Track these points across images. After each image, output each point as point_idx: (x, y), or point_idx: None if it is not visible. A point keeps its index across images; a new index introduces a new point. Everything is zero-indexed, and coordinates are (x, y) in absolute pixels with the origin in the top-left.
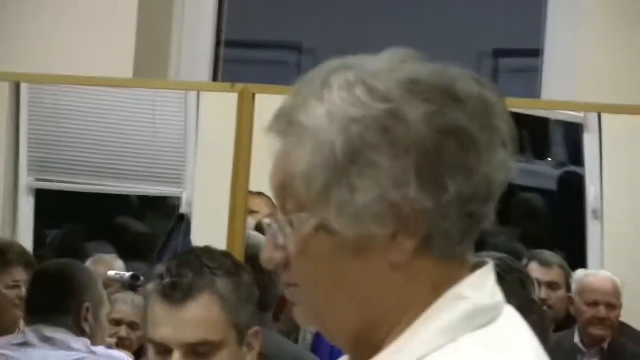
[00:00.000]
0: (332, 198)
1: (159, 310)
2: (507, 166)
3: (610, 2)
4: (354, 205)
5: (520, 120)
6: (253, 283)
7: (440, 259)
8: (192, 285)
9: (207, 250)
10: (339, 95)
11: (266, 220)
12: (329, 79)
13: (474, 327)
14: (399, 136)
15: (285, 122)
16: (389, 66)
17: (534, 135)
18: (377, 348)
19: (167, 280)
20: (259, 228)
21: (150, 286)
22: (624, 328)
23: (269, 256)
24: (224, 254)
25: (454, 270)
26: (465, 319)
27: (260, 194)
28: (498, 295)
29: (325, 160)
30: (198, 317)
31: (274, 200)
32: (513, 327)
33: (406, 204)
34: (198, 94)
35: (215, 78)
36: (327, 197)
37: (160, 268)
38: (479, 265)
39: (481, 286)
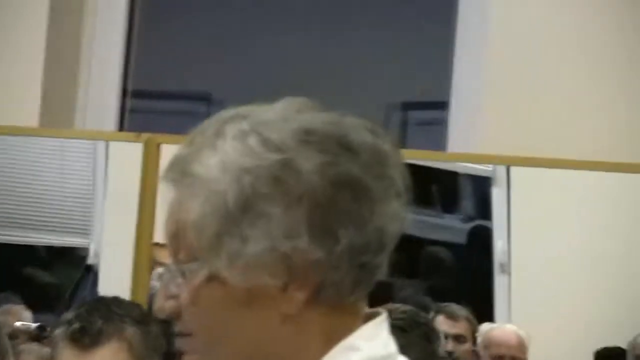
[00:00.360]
0: (223, 248)
1: (67, 355)
2: (401, 217)
3: (515, 54)
4: (244, 256)
5: (429, 174)
6: (160, 333)
7: (332, 309)
8: (101, 330)
9: (116, 299)
10: (232, 145)
11: (159, 270)
12: (223, 128)
13: None
14: (291, 187)
15: (178, 171)
16: (283, 116)
17: (443, 189)
18: None
19: (76, 325)
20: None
21: (59, 331)
22: None
23: (160, 305)
24: (133, 304)
25: (346, 320)
26: None
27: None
28: (391, 346)
29: (216, 210)
30: None
31: (167, 249)
32: None
33: (297, 255)
34: (107, 144)
35: (121, 128)
36: (219, 247)
37: (69, 314)
38: (372, 316)
39: (374, 337)
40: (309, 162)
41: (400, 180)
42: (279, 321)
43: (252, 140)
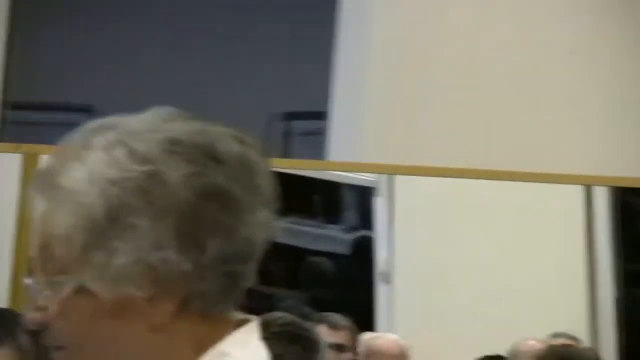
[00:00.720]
0: (90, 260)
1: None
2: (269, 226)
3: (395, 62)
4: (112, 268)
5: (311, 184)
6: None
7: (201, 318)
8: None
9: (9, 311)
10: (99, 156)
11: (26, 281)
12: (90, 139)
13: None
14: (158, 198)
15: (45, 184)
16: (150, 126)
17: (325, 199)
18: None
19: None
20: None
21: None
22: None
23: (29, 318)
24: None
25: (215, 328)
26: None
27: None
28: (262, 351)
29: (83, 222)
30: None
31: (35, 260)
32: None
33: (165, 267)
34: None
35: (0, 140)
36: (86, 260)
37: None
38: (243, 323)
39: (244, 343)
40: (175, 173)
41: (268, 189)
42: (148, 332)
43: (118, 152)
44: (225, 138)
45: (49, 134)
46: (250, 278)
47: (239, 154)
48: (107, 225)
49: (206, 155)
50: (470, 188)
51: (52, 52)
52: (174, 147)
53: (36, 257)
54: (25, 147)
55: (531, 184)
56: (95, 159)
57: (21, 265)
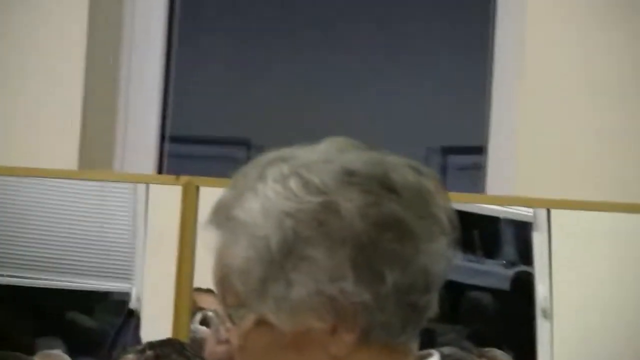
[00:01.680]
0: (269, 293)
1: None
2: (447, 255)
3: (550, 96)
4: (290, 300)
5: (470, 219)
6: None
7: (382, 350)
8: None
9: (187, 343)
10: (274, 188)
11: (209, 314)
12: (264, 171)
13: None
14: (333, 229)
15: (221, 216)
16: (324, 157)
17: (484, 234)
18: None
19: (150, 353)
20: (205, 322)
21: (130, 356)
22: None
23: (211, 350)
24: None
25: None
26: None
27: (209, 290)
28: None
29: (260, 255)
30: None
31: (216, 293)
32: None
33: (343, 298)
34: (147, 187)
35: (160, 172)
36: (264, 292)
37: (139, 345)
38: (424, 357)
39: None
40: (350, 204)
41: (445, 218)
42: None
43: (293, 183)
44: (400, 168)
45: (208, 167)
46: (432, 309)
47: (415, 184)
48: (283, 257)
49: (381, 185)
50: (628, 223)
51: (210, 85)
52: (349, 177)
53: (216, 289)
54: (185, 178)
55: None
56: (270, 191)
57: (183, 299)
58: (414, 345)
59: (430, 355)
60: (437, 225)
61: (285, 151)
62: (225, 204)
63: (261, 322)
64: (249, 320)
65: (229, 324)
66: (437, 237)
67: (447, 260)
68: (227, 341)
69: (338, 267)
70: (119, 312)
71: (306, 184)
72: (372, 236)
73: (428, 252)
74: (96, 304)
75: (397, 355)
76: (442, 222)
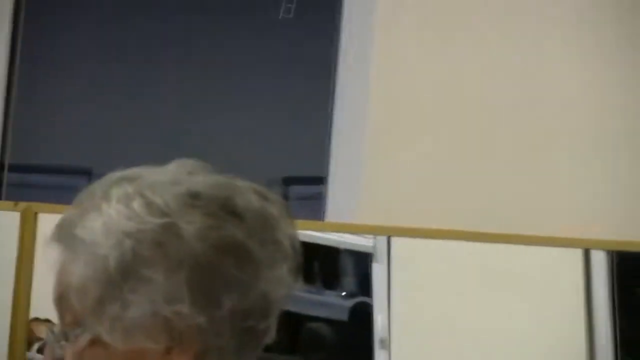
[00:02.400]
0: (105, 313)
1: None
2: (288, 282)
3: (395, 124)
4: (125, 320)
5: (310, 250)
6: None
7: None
8: None
9: None
10: (117, 208)
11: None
12: (109, 191)
13: None
14: (172, 251)
15: (63, 234)
16: (171, 178)
17: (324, 265)
18: None
19: None
20: (42, 351)
21: None
22: None
23: None
24: None
25: None
26: None
27: (47, 320)
28: None
29: (98, 274)
30: None
31: (56, 311)
32: None
33: (179, 320)
34: None
35: None
36: (101, 312)
37: None
38: None
39: None
40: (191, 226)
41: (288, 244)
42: None
43: (136, 204)
44: (246, 192)
45: (48, 196)
46: (270, 334)
47: (259, 209)
48: (120, 277)
49: (224, 209)
50: (469, 251)
51: (50, 114)
52: (193, 200)
53: (55, 307)
54: (24, 205)
55: (530, 247)
56: (113, 210)
57: (19, 329)
58: None
59: None
60: (280, 252)
61: (133, 171)
62: (69, 222)
63: (96, 341)
64: (84, 339)
65: (64, 342)
66: (279, 263)
67: (287, 286)
68: (61, 358)
69: (175, 289)
70: None
71: (149, 205)
72: (211, 260)
73: (268, 278)
74: None
75: None
76: (284, 248)
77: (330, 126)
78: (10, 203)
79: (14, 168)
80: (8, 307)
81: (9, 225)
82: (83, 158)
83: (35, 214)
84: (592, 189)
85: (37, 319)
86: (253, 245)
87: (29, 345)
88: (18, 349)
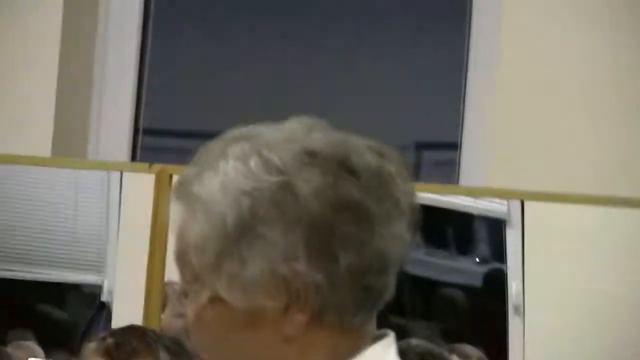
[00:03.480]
0: (222, 269)
1: None
2: (405, 239)
3: (524, 90)
4: (243, 278)
5: (444, 216)
6: None
7: (335, 331)
8: (134, 349)
9: (152, 329)
10: (234, 166)
11: (168, 289)
12: (226, 149)
13: None
14: (289, 209)
15: (182, 192)
16: (287, 136)
17: (458, 231)
18: None
19: (110, 340)
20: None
21: (92, 345)
22: None
23: (167, 323)
24: (168, 336)
25: (350, 341)
26: None
27: None
28: None
29: (216, 232)
30: None
31: (177, 269)
32: None
33: (296, 278)
34: (121, 176)
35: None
36: (219, 269)
37: (101, 333)
38: (380, 337)
39: (380, 358)
40: (308, 185)
41: (405, 201)
42: (281, 342)
43: (253, 162)
44: (362, 150)
45: (181, 160)
46: (389, 291)
47: (376, 167)
48: (238, 235)
49: (340, 167)
50: (603, 216)
51: (185, 78)
52: (310, 158)
53: (176, 265)
54: (158, 167)
55: None
56: (230, 168)
57: (154, 291)
58: (370, 327)
59: (385, 335)
60: (396, 209)
61: (251, 129)
62: (187, 180)
63: (215, 299)
64: (204, 295)
65: (185, 299)
66: (396, 220)
67: (405, 243)
68: (183, 315)
69: (291, 247)
70: (90, 304)
71: (266, 163)
72: (328, 218)
73: (385, 235)
74: (67, 296)
75: (350, 336)
76: (401, 205)
77: (464, 92)
78: (145, 165)
79: (149, 132)
80: (143, 269)
81: (145, 188)
82: (217, 122)
83: (170, 175)
84: None
85: (170, 282)
86: (370, 203)
87: (164, 308)
88: (153, 312)
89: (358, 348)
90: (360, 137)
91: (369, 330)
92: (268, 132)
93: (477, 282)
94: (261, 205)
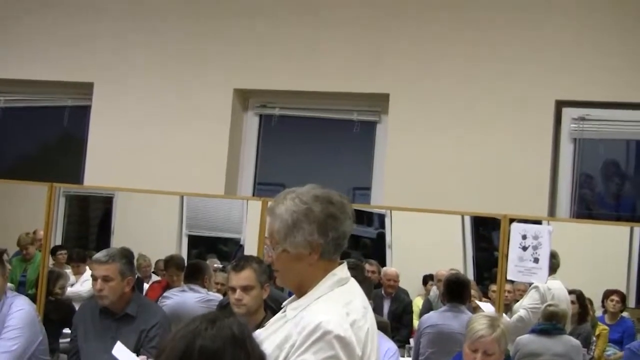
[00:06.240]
0: (287, 239)
1: (231, 274)
2: (351, 227)
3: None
4: (295, 243)
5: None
6: (267, 271)
7: (327, 261)
8: (244, 264)
9: (257, 257)
10: (290, 201)
11: (265, 246)
12: (285, 195)
13: (339, 286)
14: (311, 217)
15: (271, 211)
16: (306, 190)
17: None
18: (305, 293)
19: (234, 263)
20: None
21: (230, 266)
22: None
23: (265, 260)
24: (258, 258)
25: (332, 265)
26: (336, 283)
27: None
28: (347, 273)
29: (284, 225)
30: (246, 276)
31: (268, 239)
32: (354, 286)
33: (313, 241)
34: (247, 204)
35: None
36: (285, 239)
37: (233, 262)
38: (340, 262)
39: (340, 270)
40: (317, 208)
41: (350, 212)
42: (308, 266)
43: (297, 200)
44: (335, 195)
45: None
46: (345, 246)
47: (340, 200)
48: (292, 226)
49: (328, 201)
50: None
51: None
52: (317, 198)
53: (269, 237)
54: (263, 199)
55: None
56: (289, 202)
57: (259, 252)
58: (337, 259)
59: (343, 262)
60: (348, 215)
61: (293, 189)
62: (272, 206)
63: (284, 251)
64: (279, 249)
65: (272, 251)
66: (348, 220)
67: (351, 228)
68: (272, 257)
69: (312, 231)
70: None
71: (301, 200)
72: (325, 219)
73: (345, 225)
74: (219, 246)
75: (332, 264)
76: (349, 214)
77: None
78: (257, 197)
79: (260, 184)
80: (258, 241)
81: (256, 208)
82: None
83: (267, 202)
84: None
85: (267, 245)
86: (339, 214)
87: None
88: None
89: (333, 267)
90: (334, 190)
91: (337, 261)
92: (299, 189)
93: None
94: (301, 216)
